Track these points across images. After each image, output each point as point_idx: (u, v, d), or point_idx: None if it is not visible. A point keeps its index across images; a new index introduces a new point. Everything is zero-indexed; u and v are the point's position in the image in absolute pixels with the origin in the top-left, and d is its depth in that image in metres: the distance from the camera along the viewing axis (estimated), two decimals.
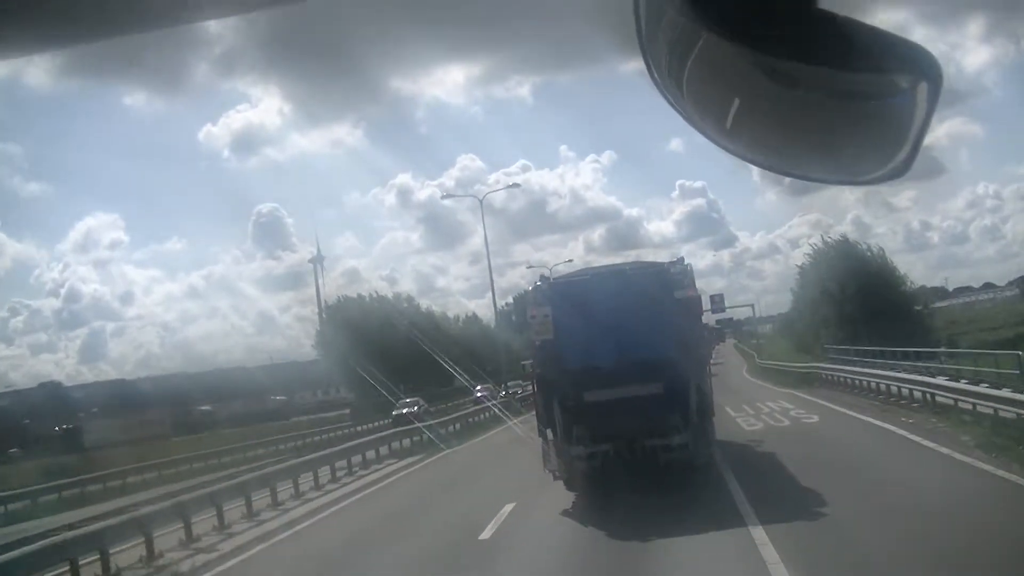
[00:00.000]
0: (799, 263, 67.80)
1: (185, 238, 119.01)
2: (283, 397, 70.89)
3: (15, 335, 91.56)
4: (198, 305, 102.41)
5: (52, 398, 65.19)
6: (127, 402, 63.65)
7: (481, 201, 40.55)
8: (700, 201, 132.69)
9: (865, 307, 49.99)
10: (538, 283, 15.25)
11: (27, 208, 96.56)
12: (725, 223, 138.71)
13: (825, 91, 1.11)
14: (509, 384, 51.35)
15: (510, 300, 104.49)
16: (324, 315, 78.78)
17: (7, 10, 1.29)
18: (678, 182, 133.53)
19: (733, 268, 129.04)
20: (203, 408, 68.76)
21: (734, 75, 1.14)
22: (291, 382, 69.05)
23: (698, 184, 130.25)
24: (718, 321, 77.21)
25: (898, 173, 1.18)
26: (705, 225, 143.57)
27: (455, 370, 42.81)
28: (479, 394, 47.00)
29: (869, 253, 57.33)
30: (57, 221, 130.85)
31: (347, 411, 62.65)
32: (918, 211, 44.22)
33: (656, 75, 1.22)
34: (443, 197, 70.92)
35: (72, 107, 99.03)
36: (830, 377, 33.23)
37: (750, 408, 26.07)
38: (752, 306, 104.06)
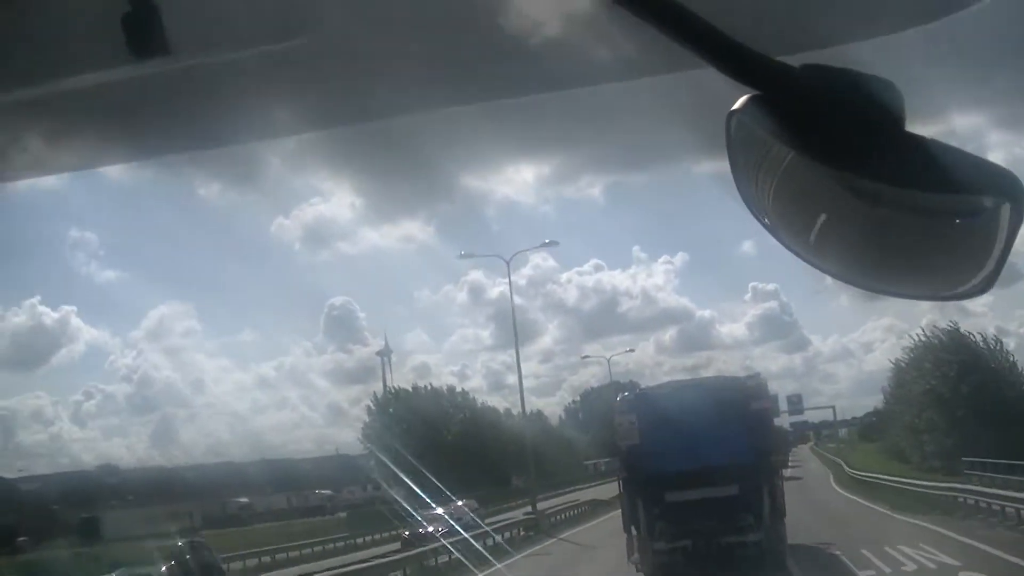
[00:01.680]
0: (893, 358, 64.69)
1: (257, 329, 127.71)
2: (328, 491, 73.89)
3: (87, 418, 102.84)
4: (268, 395, 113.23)
5: (88, 484, 69.12)
6: (162, 490, 67.29)
7: (508, 262, 43.32)
8: (772, 304, 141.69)
9: (983, 410, 45.66)
10: (625, 393, 18.79)
11: (102, 295, 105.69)
12: (797, 326, 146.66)
13: (909, 209, 1.23)
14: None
15: (577, 398, 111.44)
16: (373, 407, 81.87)
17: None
18: (751, 284, 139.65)
19: (805, 372, 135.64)
20: (240, 500, 71.54)
21: (820, 192, 1.27)
22: (343, 476, 72.70)
23: (771, 287, 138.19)
24: (792, 424, 79.48)
25: (979, 291, 1.31)
26: (777, 328, 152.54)
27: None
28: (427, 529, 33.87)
29: (985, 346, 52.67)
30: (131, 309, 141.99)
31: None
32: (994, 317, 46.97)
33: (744, 191, 1.39)
34: (461, 256, 74.48)
35: (147, 197, 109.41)
36: (977, 504, 26.89)
37: (878, 558, 18.55)
38: (832, 408, 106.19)
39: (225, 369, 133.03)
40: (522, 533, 35.95)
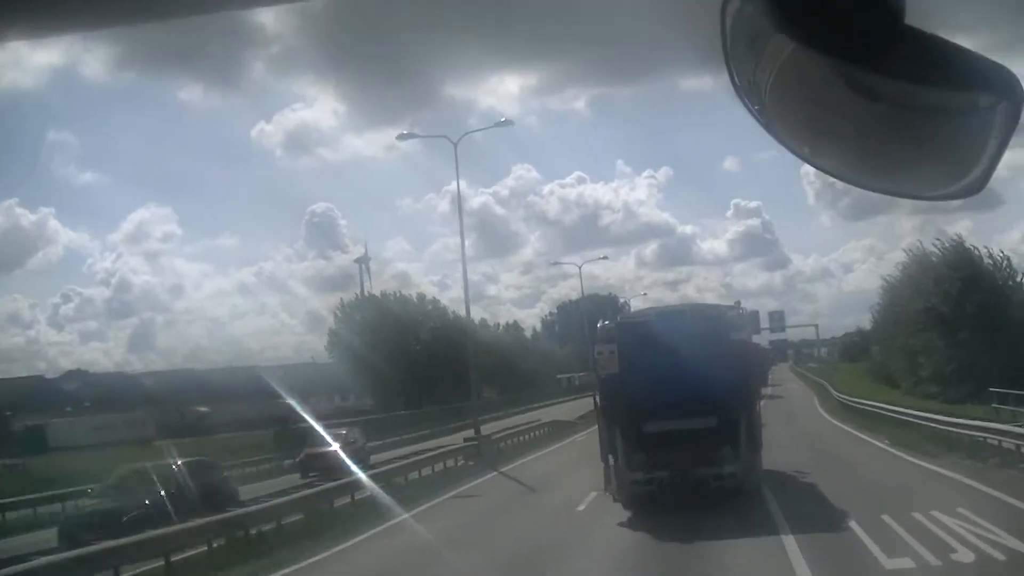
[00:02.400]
0: (885, 273, 65.15)
1: (237, 234, 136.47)
2: (292, 401, 74.49)
3: (65, 322, 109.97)
4: (248, 301, 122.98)
5: (45, 390, 69.86)
6: (121, 398, 68.03)
7: (455, 144, 43.43)
8: (755, 221, 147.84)
9: (987, 332, 43.59)
10: (606, 322, 19.36)
11: (81, 197, 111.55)
12: (779, 244, 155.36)
13: (906, 105, 1.28)
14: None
15: (554, 310, 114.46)
16: (339, 313, 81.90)
17: None
18: (733, 201, 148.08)
19: (786, 290, 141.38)
20: (200, 409, 72.12)
21: (818, 86, 1.31)
22: (310, 384, 73.86)
23: (753, 204, 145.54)
24: (772, 342, 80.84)
25: (973, 190, 1.37)
26: (759, 245, 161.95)
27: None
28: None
29: (991, 261, 49.41)
30: (110, 211, 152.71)
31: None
32: (974, 241, 47.73)
33: (739, 83, 1.42)
34: (399, 137, 74.04)
35: (127, 99, 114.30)
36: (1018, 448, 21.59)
37: (910, 533, 13.87)
38: (815, 327, 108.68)
39: (205, 274, 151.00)
40: (460, 463, 31.66)
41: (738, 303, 19.19)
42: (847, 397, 47.92)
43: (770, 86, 1.37)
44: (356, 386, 75.52)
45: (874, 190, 1.48)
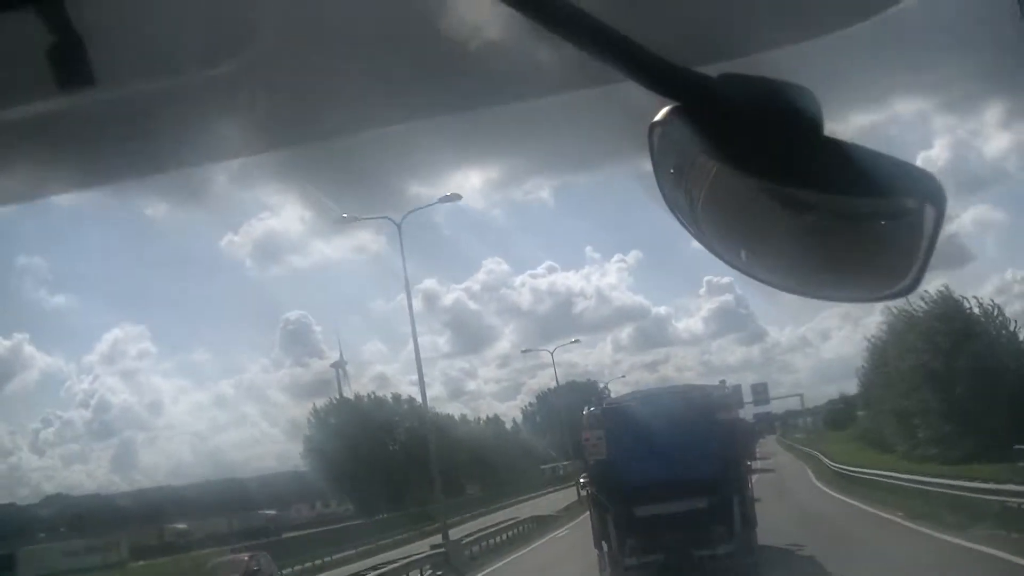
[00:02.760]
0: (869, 336, 60.40)
1: (212, 348, 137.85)
2: (271, 511, 74.17)
3: (46, 446, 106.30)
4: (227, 413, 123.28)
5: (21, 517, 69.25)
6: (98, 520, 67.56)
7: (399, 225, 42.96)
8: (728, 297, 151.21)
9: (984, 387, 41.39)
10: (592, 408, 19.81)
11: (54, 320, 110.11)
12: (753, 318, 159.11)
13: (835, 214, 1.32)
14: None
15: (534, 400, 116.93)
16: (313, 419, 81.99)
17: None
18: (705, 278, 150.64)
19: (764, 363, 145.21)
20: (177, 527, 71.62)
21: (747, 203, 1.37)
22: (293, 493, 73.72)
23: (725, 280, 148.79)
24: (756, 416, 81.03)
25: (908, 290, 1.42)
26: (733, 321, 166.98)
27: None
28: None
29: (981, 312, 47.15)
30: (84, 333, 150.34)
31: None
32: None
33: (672, 202, 1.47)
34: (344, 217, 74.17)
35: (94, 219, 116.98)
36: None
37: None
38: (800, 396, 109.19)
39: (182, 389, 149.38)
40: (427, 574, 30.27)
41: (723, 382, 19.75)
42: (842, 466, 47.05)
43: (701, 204, 1.43)
44: (336, 492, 75.27)
45: (812, 296, 1.53)
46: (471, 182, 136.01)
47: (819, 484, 45.76)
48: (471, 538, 37.18)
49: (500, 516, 53.35)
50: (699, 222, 1.46)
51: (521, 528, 42.96)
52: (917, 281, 1.40)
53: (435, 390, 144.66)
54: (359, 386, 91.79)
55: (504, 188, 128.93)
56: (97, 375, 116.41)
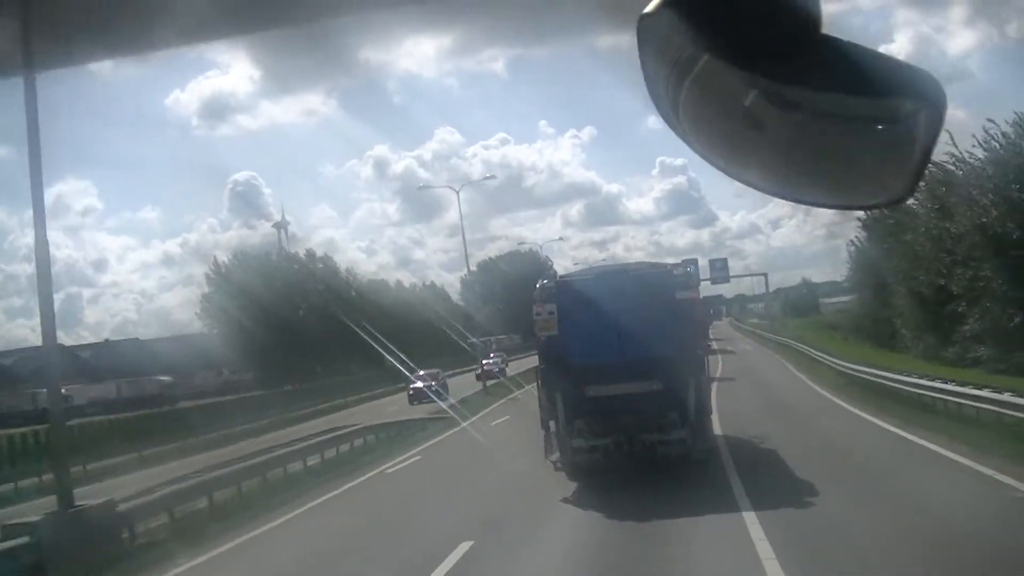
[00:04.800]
0: (861, 216, 55.30)
1: (159, 206, 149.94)
2: (167, 378, 75.19)
3: None
4: (174, 272, 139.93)
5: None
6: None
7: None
8: (681, 179, 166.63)
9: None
10: (545, 281, 21.22)
11: None
12: (705, 202, 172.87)
13: (827, 116, 1.40)
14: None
15: (473, 268, 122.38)
16: (213, 274, 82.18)
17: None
18: (659, 159, 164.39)
19: (714, 247, 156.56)
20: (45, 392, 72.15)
21: (733, 98, 1.44)
22: (198, 359, 74.86)
23: (679, 162, 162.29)
24: (705, 298, 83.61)
25: (899, 199, 1.54)
26: (685, 203, 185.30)
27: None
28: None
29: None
30: (26, 187, 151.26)
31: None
32: None
33: (655, 95, 1.56)
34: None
35: (36, 71, 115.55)
36: None
37: None
38: (765, 275, 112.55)
39: (128, 247, 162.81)
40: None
41: (685, 261, 21.11)
42: (852, 366, 39.39)
43: (684, 99, 1.50)
44: (238, 359, 76.14)
45: (798, 202, 1.64)
46: (423, 49, 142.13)
47: (829, 394, 35.76)
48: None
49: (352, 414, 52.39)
50: (681, 117, 1.56)
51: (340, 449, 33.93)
52: (911, 189, 1.51)
53: (382, 258, 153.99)
54: (305, 250, 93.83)
55: (457, 57, 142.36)
56: None
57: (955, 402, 25.38)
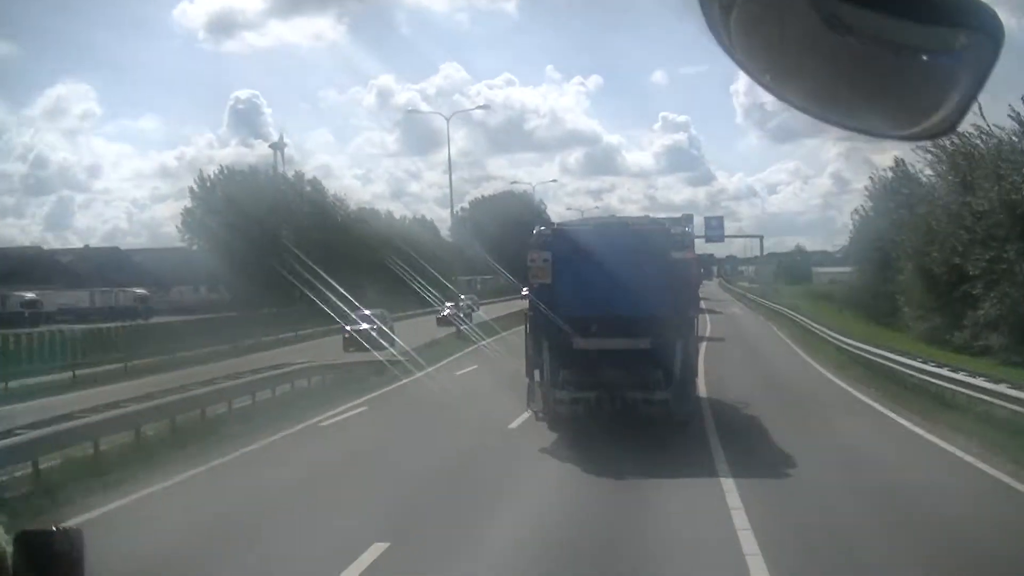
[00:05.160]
0: (868, 179, 58.96)
1: (158, 116, 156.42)
2: (141, 291, 75.48)
3: None
4: (168, 184, 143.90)
5: None
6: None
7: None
8: (682, 136, 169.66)
9: None
10: (542, 228, 21.51)
11: None
12: (704, 161, 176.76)
13: (879, 40, 1.43)
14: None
15: (466, 205, 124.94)
16: (196, 187, 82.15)
17: None
18: (661, 114, 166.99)
19: (709, 207, 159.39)
20: (25, 295, 72.51)
21: (787, 16, 1.47)
22: (176, 273, 75.20)
23: (681, 118, 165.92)
24: (698, 256, 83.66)
25: (943, 131, 1.56)
26: (684, 160, 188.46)
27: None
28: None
29: None
30: (26, 85, 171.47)
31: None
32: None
33: (705, 10, 1.56)
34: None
35: None
36: None
37: None
38: (761, 238, 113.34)
39: (124, 155, 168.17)
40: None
41: (683, 217, 21.39)
42: (860, 345, 35.93)
43: (738, 9, 1.53)
44: (217, 277, 76.27)
45: (840, 126, 1.64)
46: None
47: (832, 375, 32.95)
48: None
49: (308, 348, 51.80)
50: (732, 31, 1.57)
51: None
52: (956, 121, 1.54)
53: (377, 187, 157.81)
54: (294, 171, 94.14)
55: None
56: (37, 130, 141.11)
57: (981, 399, 21.88)
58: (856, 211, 65.55)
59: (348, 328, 44.88)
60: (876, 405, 25.26)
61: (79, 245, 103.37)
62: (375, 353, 36.04)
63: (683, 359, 20.23)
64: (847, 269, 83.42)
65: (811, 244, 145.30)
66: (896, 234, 50.25)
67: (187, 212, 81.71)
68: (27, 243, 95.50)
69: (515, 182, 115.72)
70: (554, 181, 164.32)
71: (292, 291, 73.92)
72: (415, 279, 51.08)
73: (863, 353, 34.38)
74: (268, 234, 75.84)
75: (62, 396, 30.54)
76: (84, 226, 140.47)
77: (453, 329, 50.51)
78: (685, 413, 20.46)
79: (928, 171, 49.15)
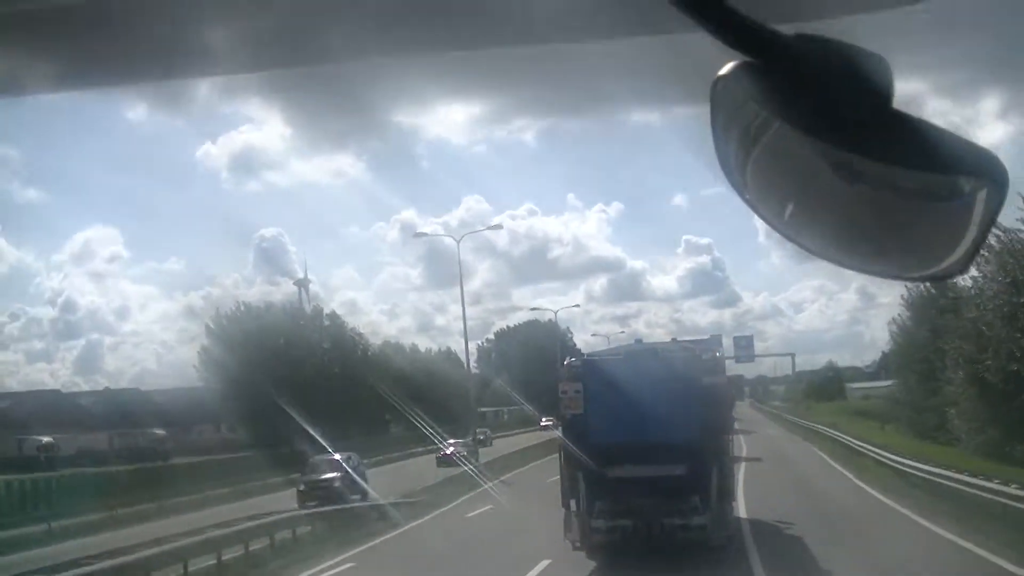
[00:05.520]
0: (904, 287, 53.37)
1: (184, 257, 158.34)
2: (160, 431, 75.63)
3: (10, 341, 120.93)
4: (195, 325, 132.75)
5: None
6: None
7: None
8: (705, 258, 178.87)
9: None
10: (572, 359, 22.38)
11: (24, 215, 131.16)
12: (728, 282, 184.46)
13: (889, 188, 1.50)
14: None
15: (491, 336, 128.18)
16: (212, 325, 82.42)
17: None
18: (684, 237, 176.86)
19: (735, 328, 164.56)
20: (41, 439, 72.59)
21: (801, 165, 1.55)
22: (195, 413, 75.63)
23: (704, 241, 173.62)
24: (729, 377, 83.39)
25: (955, 272, 1.62)
26: (708, 283, 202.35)
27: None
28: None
29: None
30: (55, 231, 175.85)
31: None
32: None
33: (722, 156, 1.67)
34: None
35: (71, 116, 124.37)
36: None
37: None
38: (792, 356, 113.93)
39: (151, 297, 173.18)
40: None
41: (712, 338, 22.17)
42: (920, 466, 33.03)
43: (753, 161, 1.63)
44: (233, 416, 76.41)
45: (853, 268, 1.73)
46: (454, 116, 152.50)
47: (893, 503, 28.91)
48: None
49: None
50: (747, 181, 1.68)
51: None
52: (968, 262, 1.61)
53: (404, 322, 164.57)
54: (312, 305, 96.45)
55: (488, 126, 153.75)
56: (66, 274, 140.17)
57: None
58: (893, 321, 63.55)
59: (307, 478, 40.48)
60: (970, 545, 20.81)
61: (99, 387, 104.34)
62: (342, 503, 33.86)
63: (719, 483, 20.74)
64: (882, 384, 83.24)
65: (840, 360, 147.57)
66: (941, 343, 47.60)
67: (203, 350, 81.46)
68: (55, 387, 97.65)
69: (535, 307, 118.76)
70: (577, 306, 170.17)
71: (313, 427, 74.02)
72: (415, 414, 50.30)
73: (919, 473, 31.88)
74: (284, 371, 75.55)
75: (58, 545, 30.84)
76: (113, 368, 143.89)
77: (456, 471, 45.84)
78: (722, 537, 20.91)
79: (973, 272, 42.93)
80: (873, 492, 32.20)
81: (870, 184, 1.52)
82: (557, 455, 23.14)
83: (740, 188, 1.70)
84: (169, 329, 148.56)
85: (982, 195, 1.52)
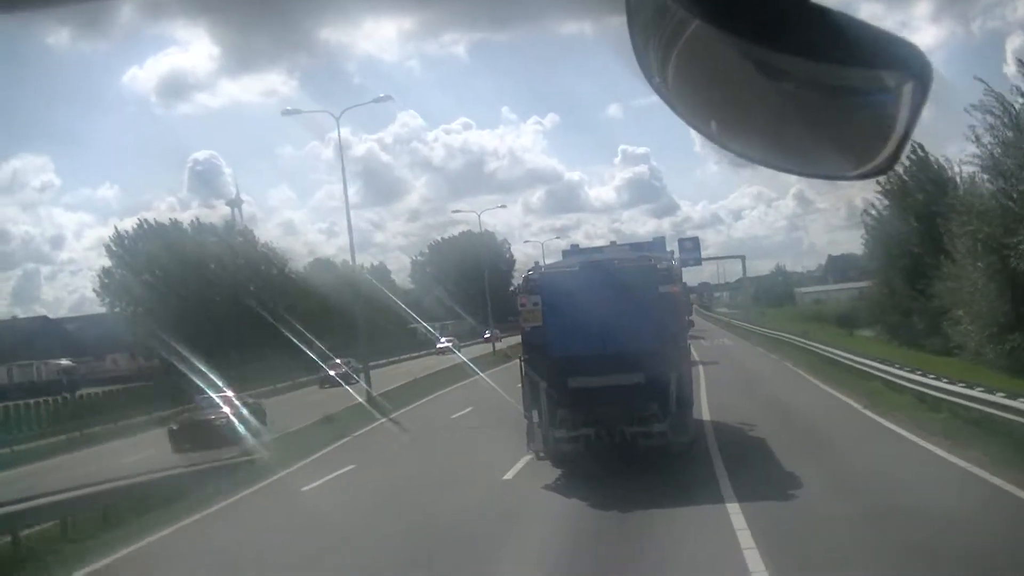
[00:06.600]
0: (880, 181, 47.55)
1: (117, 183, 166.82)
2: (66, 362, 76.04)
3: None
4: None
5: None
6: None
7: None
8: (642, 168, 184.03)
9: None
10: (530, 272, 24.25)
11: None
12: (667, 191, 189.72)
13: (813, 85, 1.58)
14: None
15: (425, 250, 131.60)
16: (114, 246, 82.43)
17: None
18: (620, 147, 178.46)
19: (674, 235, 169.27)
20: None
21: (722, 65, 1.63)
22: (108, 339, 76.12)
23: (641, 151, 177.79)
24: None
25: (882, 170, 1.71)
26: (647, 192, 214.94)
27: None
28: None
29: None
30: None
31: None
32: (862, 187, 50.11)
33: (641, 58, 1.74)
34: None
35: None
36: None
37: None
38: (743, 258, 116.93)
39: (86, 224, 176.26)
40: None
41: (654, 241, 23.74)
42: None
43: (673, 63, 1.72)
44: (141, 340, 76.35)
45: (783, 170, 1.85)
46: (384, 31, 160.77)
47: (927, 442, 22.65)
48: None
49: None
50: (668, 81, 1.79)
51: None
52: (894, 159, 1.73)
53: (343, 239, 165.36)
54: (266, 230, 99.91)
55: (418, 40, 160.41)
56: None
57: None
58: (865, 212, 59.20)
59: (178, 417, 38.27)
60: None
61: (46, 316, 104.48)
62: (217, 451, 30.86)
63: (678, 391, 22.51)
64: (831, 287, 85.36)
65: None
66: (943, 226, 41.93)
67: (104, 273, 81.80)
68: None
69: (456, 210, 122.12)
70: (503, 207, 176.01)
71: (227, 351, 74.45)
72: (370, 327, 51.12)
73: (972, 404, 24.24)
74: (195, 292, 76.77)
75: None
76: (52, 298, 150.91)
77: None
78: (683, 443, 22.81)
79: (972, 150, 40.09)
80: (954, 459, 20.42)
81: (793, 82, 1.63)
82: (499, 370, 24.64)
83: (663, 93, 1.83)
84: (106, 256, 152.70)
85: (907, 88, 1.63)
